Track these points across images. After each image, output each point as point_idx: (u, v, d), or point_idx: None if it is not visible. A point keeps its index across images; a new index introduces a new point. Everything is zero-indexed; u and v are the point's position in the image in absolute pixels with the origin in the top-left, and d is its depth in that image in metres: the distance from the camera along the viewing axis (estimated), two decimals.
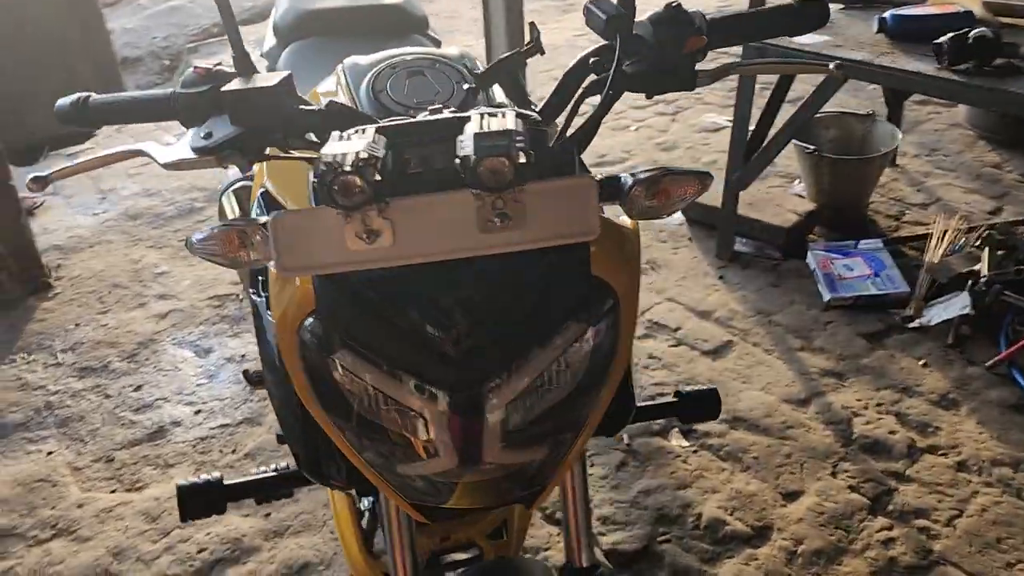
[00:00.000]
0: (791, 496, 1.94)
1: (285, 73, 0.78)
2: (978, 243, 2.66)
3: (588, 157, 3.20)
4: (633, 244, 0.84)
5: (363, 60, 1.02)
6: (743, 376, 2.32)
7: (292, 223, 0.64)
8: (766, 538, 1.84)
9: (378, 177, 0.58)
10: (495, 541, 1.33)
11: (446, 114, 0.73)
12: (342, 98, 1.01)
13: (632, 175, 0.71)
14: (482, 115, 0.65)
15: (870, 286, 2.56)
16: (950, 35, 2.12)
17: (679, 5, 0.83)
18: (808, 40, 2.44)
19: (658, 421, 2.14)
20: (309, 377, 0.77)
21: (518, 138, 0.60)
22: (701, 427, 2.14)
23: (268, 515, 1.98)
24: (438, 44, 1.94)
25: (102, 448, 2.24)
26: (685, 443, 2.11)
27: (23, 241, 2.91)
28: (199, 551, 1.91)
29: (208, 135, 0.76)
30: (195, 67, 0.80)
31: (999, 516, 1.86)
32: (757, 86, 2.64)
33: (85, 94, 0.82)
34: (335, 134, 0.65)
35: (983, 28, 2.14)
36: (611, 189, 0.72)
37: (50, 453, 2.23)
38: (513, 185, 0.61)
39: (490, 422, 0.72)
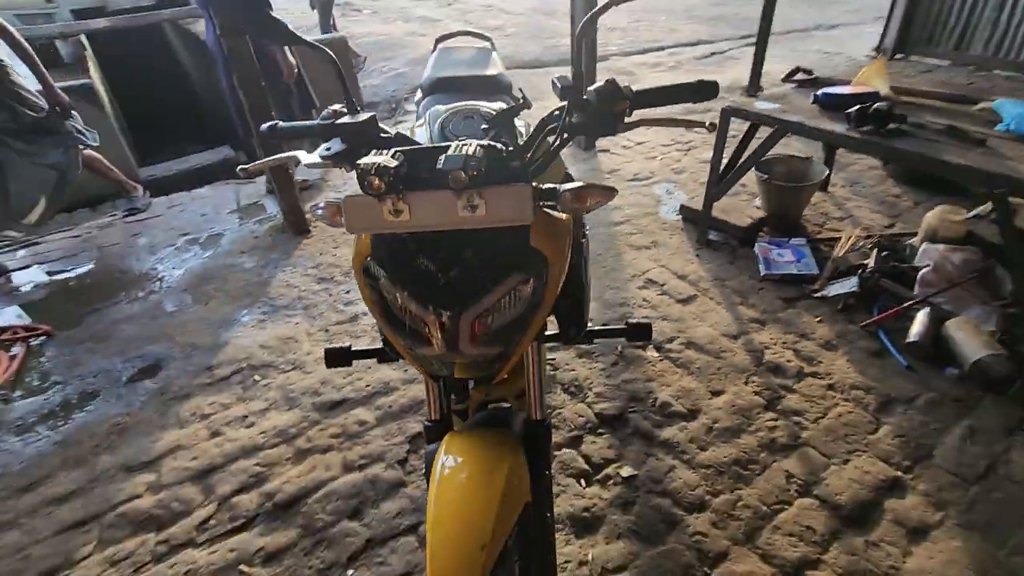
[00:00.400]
0: (716, 393, 1.93)
1: (370, 114, 0.86)
2: (871, 247, 2.48)
3: (624, 174, 3.22)
4: (564, 229, 0.84)
5: (441, 108, 1.06)
6: (699, 317, 2.28)
7: (352, 203, 0.72)
8: (695, 417, 1.85)
9: (389, 179, 0.66)
10: (520, 399, 1.38)
11: (443, 144, 0.75)
12: (425, 131, 1.07)
13: (566, 187, 0.74)
14: (458, 145, 0.71)
15: (793, 268, 2.43)
16: (857, 107, 1.96)
17: (614, 81, 0.83)
18: (765, 106, 2.30)
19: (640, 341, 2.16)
20: (370, 292, 0.83)
21: (472, 160, 0.66)
22: (667, 345, 2.14)
23: (405, 371, 2.13)
24: (518, 100, 1.95)
25: (324, 324, 2.43)
26: (656, 355, 2.12)
27: (295, 205, 3.11)
28: (366, 385, 2.08)
29: (328, 148, 0.86)
30: (333, 109, 0.89)
31: (849, 420, 1.80)
32: (731, 133, 2.52)
33: (276, 121, 0.92)
34: (373, 152, 0.72)
35: (882, 103, 1.96)
36: (549, 193, 0.75)
37: (296, 323, 2.44)
38: (469, 187, 0.67)
39: (463, 328, 0.77)
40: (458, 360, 0.86)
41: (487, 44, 2.05)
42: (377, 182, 0.68)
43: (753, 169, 2.61)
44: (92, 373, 2.33)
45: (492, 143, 0.75)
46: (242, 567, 1.52)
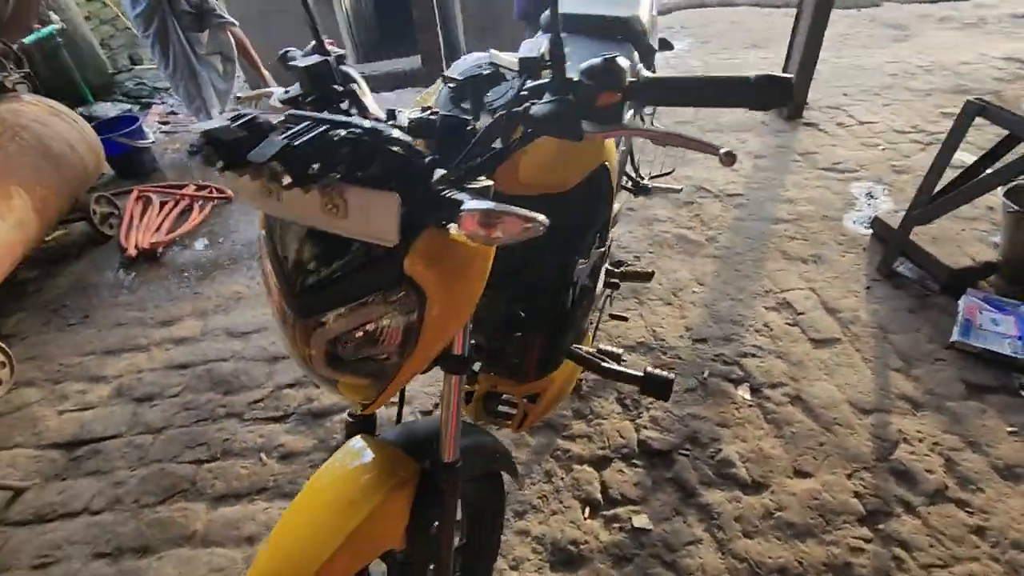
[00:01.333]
0: (801, 474, 1.49)
1: (322, 58, 0.73)
2: None
3: (821, 160, 3.17)
4: (467, 259, 0.61)
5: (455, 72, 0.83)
6: (828, 369, 1.75)
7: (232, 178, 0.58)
8: (758, 492, 1.46)
9: (226, 151, 0.54)
10: (532, 403, 1.21)
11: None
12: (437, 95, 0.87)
13: (470, 206, 0.51)
14: (340, 124, 0.54)
15: (1005, 345, 1.70)
16: None
17: (613, 59, 0.57)
18: None
19: (735, 374, 1.76)
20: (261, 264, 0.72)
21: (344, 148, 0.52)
22: (767, 390, 1.71)
23: None
24: (652, 51, 1.58)
25: None
26: (748, 397, 1.71)
27: None
28: None
29: (287, 92, 0.75)
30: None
31: None
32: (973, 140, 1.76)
33: (288, 49, 0.81)
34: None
35: None
36: (446, 209, 0.53)
37: None
38: (329, 183, 0.52)
39: (314, 344, 0.63)
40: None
41: None
42: (208, 152, 0.54)
43: (1000, 194, 1.84)
44: (242, 242, 2.72)
45: (392, 135, 0.55)
46: (262, 455, 1.68)
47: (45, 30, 3.58)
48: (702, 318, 1.97)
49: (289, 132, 0.53)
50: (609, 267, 1.41)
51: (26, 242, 2.28)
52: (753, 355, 1.82)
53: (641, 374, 1.03)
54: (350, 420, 0.89)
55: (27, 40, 3.52)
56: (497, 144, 0.65)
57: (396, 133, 0.55)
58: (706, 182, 2.70)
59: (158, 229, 2.80)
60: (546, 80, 0.65)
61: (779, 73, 0.55)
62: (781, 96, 0.54)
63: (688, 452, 1.56)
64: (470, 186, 0.56)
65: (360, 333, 0.61)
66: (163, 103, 4.85)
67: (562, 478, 1.53)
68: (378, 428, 0.89)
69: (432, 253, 0.58)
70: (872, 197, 2.50)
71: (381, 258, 0.58)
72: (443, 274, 0.59)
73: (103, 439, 1.78)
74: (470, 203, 0.51)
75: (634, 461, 1.56)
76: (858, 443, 1.54)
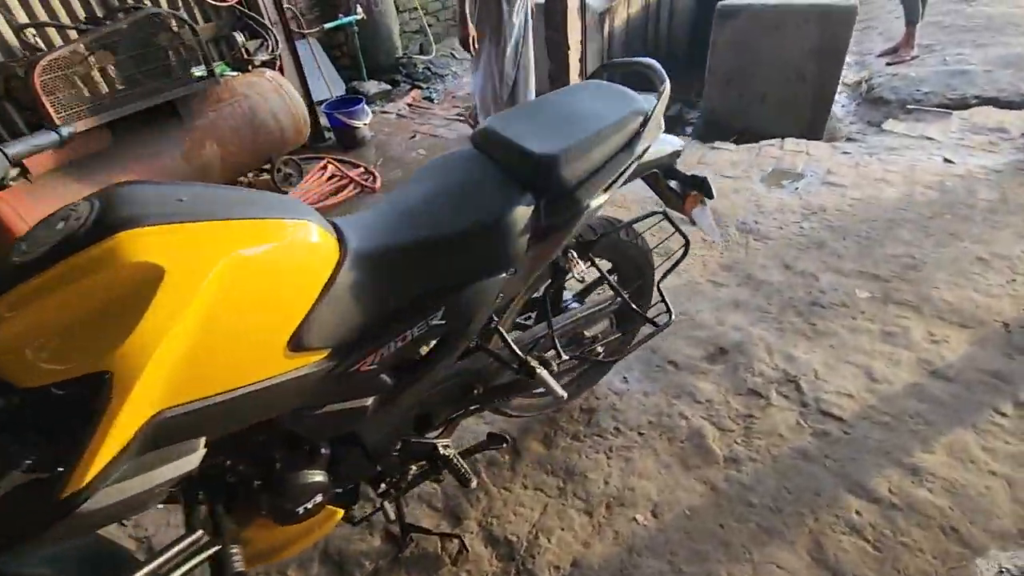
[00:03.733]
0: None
1: None
2: None
3: None
4: None
5: None
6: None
7: None
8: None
9: None
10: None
11: None
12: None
13: None
14: None
15: None
16: None
17: None
18: None
19: None
20: None
21: None
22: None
23: None
24: (575, 206, 1.11)
25: None
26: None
27: None
28: None
29: None
30: None
31: None
32: None
33: None
34: None
35: None
36: None
37: None
38: None
39: None
40: None
41: None
42: None
43: None
44: None
45: None
46: None
47: (346, 19, 4.52)
48: (619, 565, 1.42)
49: None
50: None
51: (206, 183, 3.00)
52: None
53: None
54: None
55: (327, 26, 4.50)
56: None
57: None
58: (809, 381, 1.86)
59: (307, 196, 3.34)
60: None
61: None
62: None
63: None
64: None
65: None
66: (428, 89, 5.66)
67: None
68: None
69: None
70: None
71: None
72: None
73: None
74: None
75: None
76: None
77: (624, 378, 1.93)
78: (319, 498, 1.09)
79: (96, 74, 2.57)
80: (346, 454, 1.15)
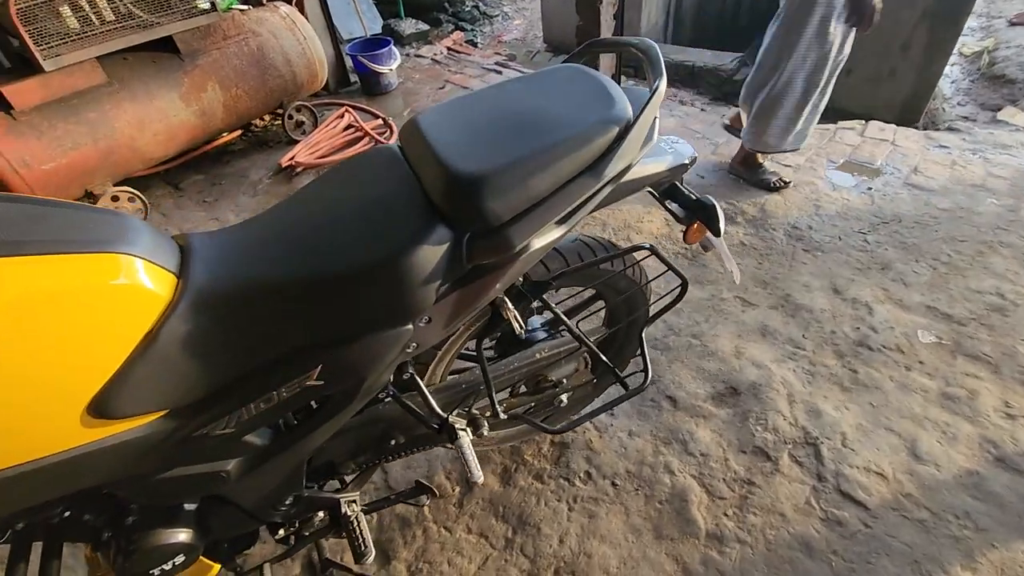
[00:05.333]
0: None
1: None
2: None
3: None
4: None
5: None
6: None
7: None
8: None
9: None
10: None
11: None
12: None
13: None
14: None
15: None
16: None
17: None
18: None
19: None
20: None
21: None
22: None
23: None
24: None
25: None
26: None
27: None
28: None
29: None
30: None
31: None
32: None
33: None
34: None
35: None
36: None
37: None
38: None
39: None
40: None
41: None
42: None
43: None
44: None
45: None
46: None
47: None
48: None
49: None
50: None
51: (205, 128, 2.82)
52: None
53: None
54: None
55: None
56: None
57: None
58: (833, 448, 1.53)
59: (317, 149, 3.12)
60: None
61: None
62: None
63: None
64: None
65: None
66: (472, 31, 5.21)
67: None
68: None
69: None
70: None
71: None
72: None
73: None
74: None
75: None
76: None
77: (612, 412, 1.66)
78: (180, 559, 0.93)
79: (84, 3, 2.38)
80: (218, 510, 0.97)
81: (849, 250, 2.14)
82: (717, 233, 1.00)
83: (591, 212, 0.91)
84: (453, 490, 1.51)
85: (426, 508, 1.47)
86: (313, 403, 0.91)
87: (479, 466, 0.97)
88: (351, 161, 0.94)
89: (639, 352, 1.19)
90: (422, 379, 1.13)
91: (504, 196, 0.79)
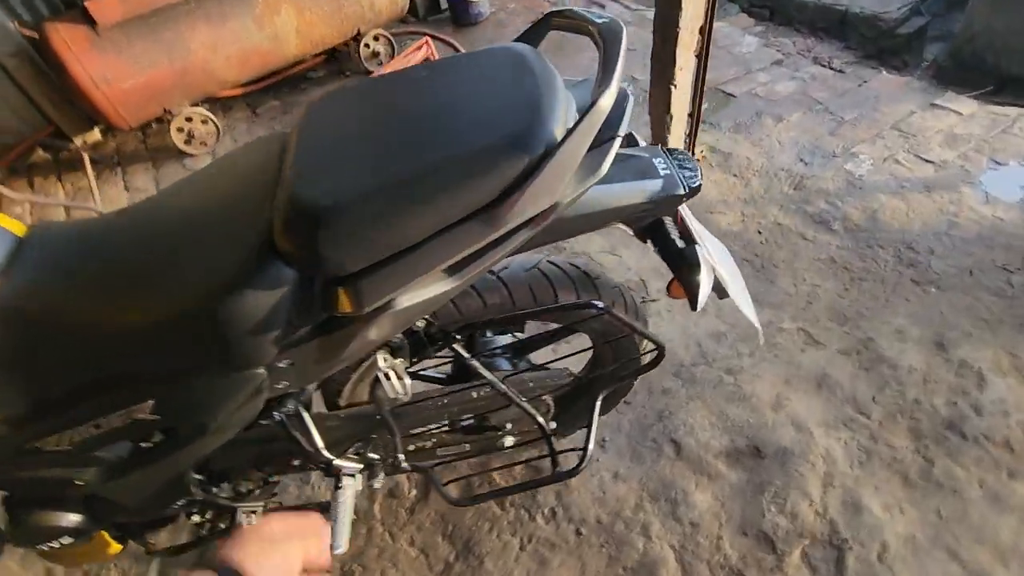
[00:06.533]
0: None
1: None
2: None
3: None
4: None
5: None
6: None
7: None
8: None
9: None
10: None
11: None
12: None
13: None
14: None
15: None
16: None
17: None
18: None
19: None
20: None
21: None
22: None
23: None
24: None
25: None
26: None
27: None
28: None
29: None
30: None
31: None
32: None
33: None
34: None
35: None
36: None
37: None
38: None
39: None
40: None
41: None
42: None
43: None
44: None
45: None
46: None
47: None
48: None
49: None
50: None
51: (278, 53, 2.77)
52: None
53: None
54: None
55: None
56: None
57: None
58: (865, 560, 1.19)
59: None
60: None
61: None
62: None
63: None
64: None
65: None
66: None
67: None
68: None
69: None
70: None
71: None
72: None
73: None
74: None
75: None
76: None
77: (604, 440, 1.44)
78: (67, 540, 0.92)
79: None
80: (105, 503, 0.94)
81: (979, 291, 1.62)
82: (693, 306, 0.71)
83: (501, 260, 0.67)
84: (409, 493, 1.42)
85: (377, 506, 1.39)
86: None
87: (348, 532, 0.83)
88: (239, 151, 0.77)
89: (586, 424, 0.94)
90: (339, 397, 1.00)
91: (354, 239, 0.58)
